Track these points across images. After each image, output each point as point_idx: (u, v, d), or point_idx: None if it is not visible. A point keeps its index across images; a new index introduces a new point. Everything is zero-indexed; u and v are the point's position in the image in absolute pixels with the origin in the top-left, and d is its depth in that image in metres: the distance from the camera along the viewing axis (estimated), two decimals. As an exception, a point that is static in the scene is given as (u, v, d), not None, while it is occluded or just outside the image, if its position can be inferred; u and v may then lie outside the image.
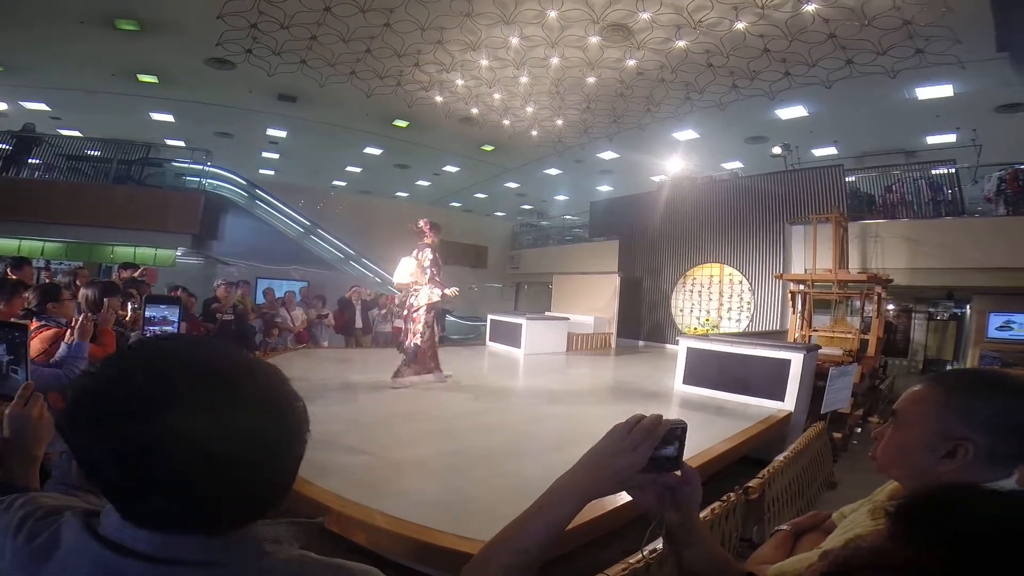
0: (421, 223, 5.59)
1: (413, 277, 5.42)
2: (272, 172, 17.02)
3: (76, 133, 12.69)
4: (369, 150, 14.59)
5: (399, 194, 19.50)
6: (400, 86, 10.36)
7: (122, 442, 0.50)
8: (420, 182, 17.95)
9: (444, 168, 16.05)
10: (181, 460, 0.50)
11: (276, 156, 15.66)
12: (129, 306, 4.20)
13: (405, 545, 2.08)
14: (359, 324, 9.58)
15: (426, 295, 5.38)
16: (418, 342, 5.37)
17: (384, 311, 10.09)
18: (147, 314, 0.79)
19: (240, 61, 9.32)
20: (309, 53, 9.09)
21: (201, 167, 12.75)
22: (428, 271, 5.37)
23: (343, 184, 18.44)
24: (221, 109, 11.64)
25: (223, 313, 7.21)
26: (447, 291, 5.45)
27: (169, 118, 12.38)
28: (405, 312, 5.57)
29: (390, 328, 10.12)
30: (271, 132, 13.40)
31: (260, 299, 10.11)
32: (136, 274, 5.73)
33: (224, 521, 0.55)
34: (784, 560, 1.01)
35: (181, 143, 13.67)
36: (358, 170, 16.71)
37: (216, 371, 0.55)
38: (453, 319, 13.50)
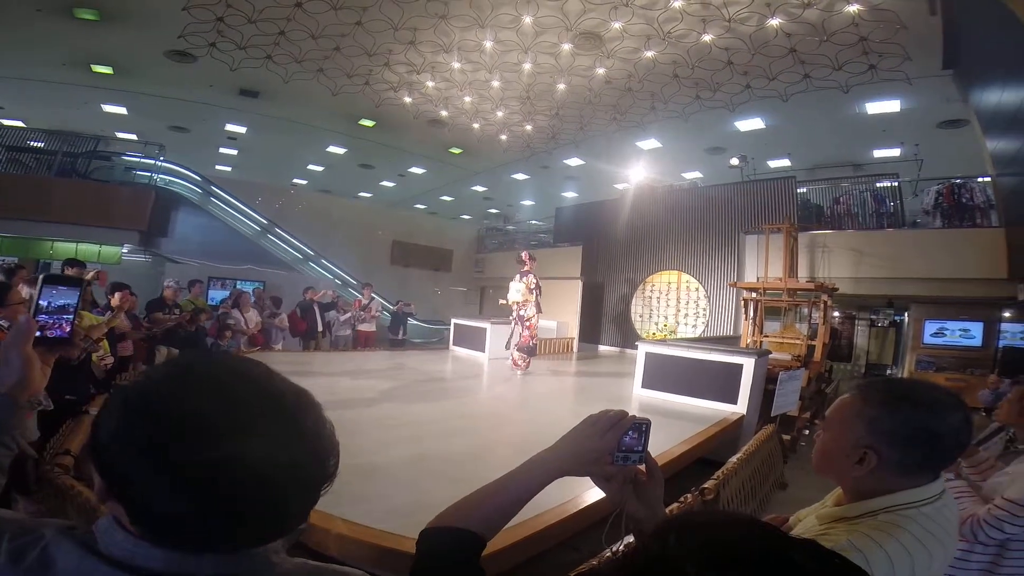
0: (523, 255, 7.48)
1: (523, 296, 7.31)
2: (229, 168, 16.45)
3: (19, 123, 11.94)
4: (332, 149, 14.31)
5: (362, 194, 19.19)
6: (368, 85, 10.21)
7: (181, 469, 0.49)
8: (384, 183, 17.73)
9: (410, 169, 15.90)
10: (235, 489, 0.50)
11: (234, 152, 15.14)
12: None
13: (369, 551, 2.06)
14: (319, 327, 9.39)
15: (533, 309, 7.39)
16: (535, 341, 7.51)
17: (348, 315, 9.91)
18: (42, 300, 0.63)
19: (202, 55, 8.98)
20: (276, 49, 8.85)
21: (153, 162, 12.22)
22: (534, 291, 7.32)
23: (304, 183, 18.01)
24: (178, 103, 11.17)
25: (173, 315, 6.93)
26: (537, 316, 7.45)
27: (122, 110, 11.79)
28: (515, 320, 7.51)
29: (349, 331, 9.94)
30: (230, 127, 12.94)
31: (214, 300, 9.79)
32: (89, 276, 5.44)
33: (254, 542, 0.55)
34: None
35: (133, 136, 13.05)
36: (320, 169, 16.36)
37: (277, 401, 0.55)
38: (416, 323, 13.37)
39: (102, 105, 11.42)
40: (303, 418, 0.56)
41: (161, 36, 8.43)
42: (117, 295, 5.24)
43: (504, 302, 7.51)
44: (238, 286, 10.90)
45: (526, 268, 7.37)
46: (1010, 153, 6.69)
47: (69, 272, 5.32)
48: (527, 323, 7.34)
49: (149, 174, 12.11)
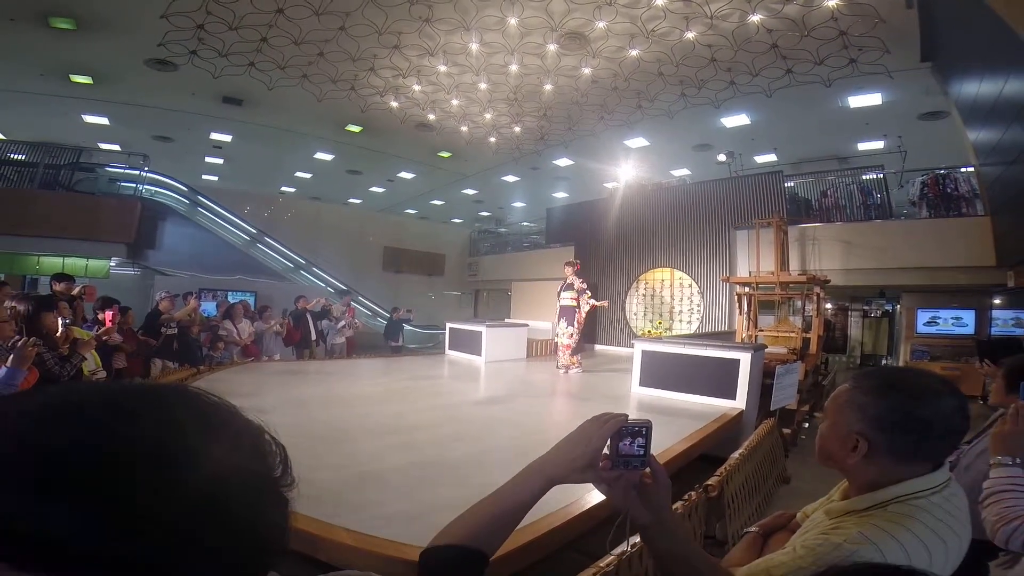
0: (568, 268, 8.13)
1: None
2: (216, 178, 16.30)
3: (-3, 135, 11.77)
4: (320, 155, 14.21)
5: (352, 200, 19.09)
6: (354, 90, 10.15)
7: (129, 511, 0.37)
8: (374, 188, 17.64)
9: (399, 174, 15.83)
10: (230, 511, 0.42)
11: (220, 161, 14.99)
12: (60, 322, 3.91)
13: (371, 561, 2.02)
14: (312, 336, 9.33)
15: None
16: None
17: (343, 323, 9.86)
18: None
19: (183, 63, 8.88)
20: (258, 55, 8.76)
21: (138, 172, 12.10)
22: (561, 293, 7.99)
23: (292, 190, 17.89)
24: (161, 112, 11.04)
25: (167, 327, 6.85)
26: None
27: (103, 121, 11.62)
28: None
29: (343, 339, 9.89)
30: (215, 136, 12.81)
31: (206, 311, 9.69)
32: (75, 291, 5.36)
33: (265, 562, 0.47)
34: (754, 561, 1.05)
35: (116, 147, 12.88)
36: (308, 176, 16.25)
37: (216, 419, 0.47)
38: (410, 328, 13.29)
39: (83, 115, 11.26)
40: (230, 418, 0.48)
41: (140, 44, 8.33)
42: (108, 314, 5.27)
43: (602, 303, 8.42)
44: (228, 297, 10.80)
45: (568, 274, 8.06)
46: (991, 143, 6.75)
47: (57, 287, 5.23)
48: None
49: (134, 185, 11.99)
